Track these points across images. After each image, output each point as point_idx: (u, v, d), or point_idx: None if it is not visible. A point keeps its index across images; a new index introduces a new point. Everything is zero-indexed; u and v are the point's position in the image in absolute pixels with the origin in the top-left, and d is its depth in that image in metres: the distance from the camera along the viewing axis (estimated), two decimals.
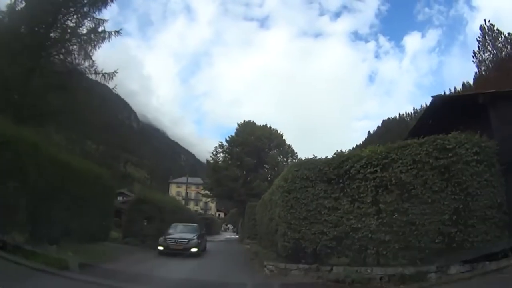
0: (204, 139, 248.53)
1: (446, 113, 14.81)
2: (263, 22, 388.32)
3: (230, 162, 50.57)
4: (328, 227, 13.56)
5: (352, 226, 13.05)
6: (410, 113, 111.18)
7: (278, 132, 51.93)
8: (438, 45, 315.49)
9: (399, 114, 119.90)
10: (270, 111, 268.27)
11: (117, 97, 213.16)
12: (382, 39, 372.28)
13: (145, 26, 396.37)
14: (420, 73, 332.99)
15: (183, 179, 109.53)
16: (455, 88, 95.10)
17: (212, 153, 53.26)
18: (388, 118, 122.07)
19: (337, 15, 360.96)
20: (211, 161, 53.01)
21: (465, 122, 13.30)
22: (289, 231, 14.39)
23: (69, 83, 23.78)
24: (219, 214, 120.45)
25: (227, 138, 52.85)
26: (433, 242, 11.78)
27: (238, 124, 52.98)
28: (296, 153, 50.54)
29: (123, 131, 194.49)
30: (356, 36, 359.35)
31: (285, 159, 49.35)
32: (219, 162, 52.15)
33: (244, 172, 49.25)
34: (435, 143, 12.40)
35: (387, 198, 12.61)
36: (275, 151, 50.69)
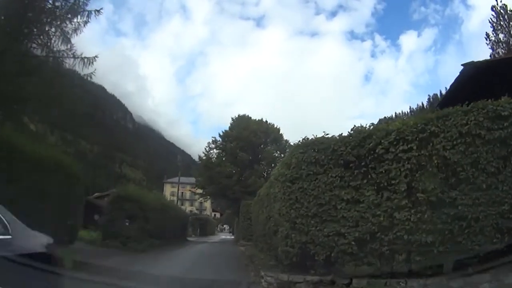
0: (200, 139, 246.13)
1: (479, 83, 12.24)
2: (259, 21, 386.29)
3: (224, 158, 47.16)
4: (347, 226, 10.13)
5: (380, 224, 9.64)
6: (406, 112, 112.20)
7: (275, 126, 48.49)
8: (434, 44, 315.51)
9: (395, 113, 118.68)
10: (266, 111, 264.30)
11: (112, 97, 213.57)
12: (378, 38, 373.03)
13: (141, 26, 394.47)
14: (416, 72, 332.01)
15: (177, 179, 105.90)
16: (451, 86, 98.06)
17: (205, 149, 49.86)
18: (385, 117, 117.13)
19: (333, 14, 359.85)
20: (204, 158, 49.32)
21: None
22: (294, 233, 10.96)
23: (43, 67, 21.21)
24: (214, 215, 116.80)
25: (221, 133, 49.49)
26: (490, 242, 8.61)
27: (232, 118, 49.59)
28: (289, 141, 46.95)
29: (119, 131, 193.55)
30: (352, 35, 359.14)
31: (282, 155, 45.57)
32: (212, 159, 48.62)
33: (238, 168, 45.61)
34: (485, 110, 9.07)
35: (428, 185, 9.20)
36: (271, 146, 46.99)
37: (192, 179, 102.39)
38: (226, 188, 43.94)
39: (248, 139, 45.17)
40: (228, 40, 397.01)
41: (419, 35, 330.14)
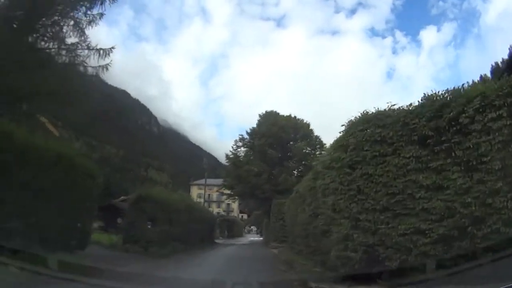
0: (224, 142, 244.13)
1: None
2: (280, 22, 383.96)
3: (252, 156, 44.80)
4: (428, 220, 7.67)
5: (472, 214, 7.19)
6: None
7: (304, 121, 45.93)
8: (454, 39, 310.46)
9: None
10: (289, 110, 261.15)
11: (137, 102, 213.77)
12: (398, 34, 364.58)
13: (161, 31, 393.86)
14: (437, 67, 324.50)
15: (203, 181, 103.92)
16: (472, 81, 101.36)
17: (232, 147, 47.42)
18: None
19: (352, 11, 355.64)
20: (231, 156, 46.83)
21: None
22: (356, 233, 8.68)
23: (54, 61, 19.46)
24: (242, 216, 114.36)
25: (248, 131, 46.91)
26: None
27: (259, 115, 47.08)
28: (325, 144, 43.92)
29: (144, 136, 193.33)
30: (373, 32, 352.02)
31: (313, 151, 42.95)
32: (240, 157, 46.28)
33: (268, 166, 42.98)
34: None
35: None
36: (301, 142, 44.21)
37: (219, 181, 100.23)
38: (255, 187, 41.63)
39: (277, 135, 42.78)
40: (249, 41, 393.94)
41: (438, 29, 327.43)
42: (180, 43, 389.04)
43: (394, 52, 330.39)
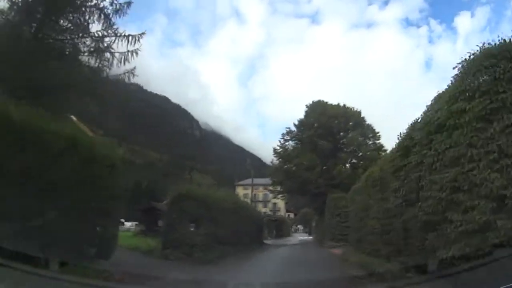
0: (267, 142, 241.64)
1: None
2: (314, 18, 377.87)
3: (301, 149, 41.03)
4: None
5: None
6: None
7: (355, 109, 41.89)
8: (488, 23, 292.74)
9: None
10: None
11: (178, 107, 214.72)
12: (433, 23, 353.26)
13: (197, 35, 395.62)
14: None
15: (249, 180, 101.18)
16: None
17: (279, 141, 43.42)
18: None
19: (385, 2, 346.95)
20: (279, 151, 42.78)
21: None
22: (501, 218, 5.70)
23: (77, 52, 17.57)
24: (288, 215, 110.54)
25: (295, 123, 43.06)
26: None
27: (306, 105, 43.29)
28: (378, 133, 40.43)
29: (186, 140, 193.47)
30: (407, 22, 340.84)
31: (365, 141, 39.13)
32: (289, 151, 42.48)
33: (319, 159, 39.18)
34: None
35: None
36: (354, 132, 40.29)
37: (264, 180, 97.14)
38: (307, 182, 37.99)
39: (327, 125, 39.27)
40: (285, 40, 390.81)
41: (472, 15, 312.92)
42: (216, 46, 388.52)
43: (430, 41, 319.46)
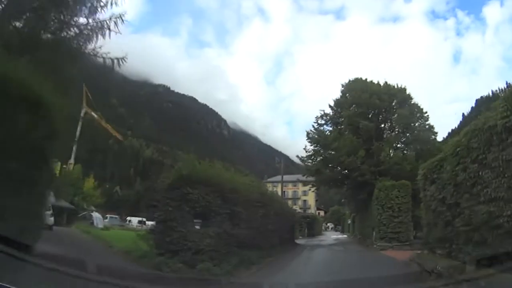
0: (296, 140, 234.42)
1: None
2: (339, 14, 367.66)
3: (339, 131, 33.69)
4: None
5: None
6: (503, 88, 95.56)
7: (399, 86, 33.94)
8: None
9: (492, 91, 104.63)
10: None
11: (205, 107, 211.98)
12: (460, 14, 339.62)
13: (223, 35, 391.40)
14: (505, 45, 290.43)
15: (278, 177, 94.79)
16: None
17: (313, 126, 35.45)
18: (481, 97, 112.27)
19: None
20: (314, 135, 34.73)
21: None
22: None
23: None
24: (319, 213, 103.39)
25: (331, 105, 35.29)
26: None
27: (342, 84, 35.66)
28: (426, 112, 32.98)
29: (215, 139, 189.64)
30: (434, 15, 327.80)
31: (415, 120, 31.64)
32: (325, 134, 34.86)
33: (363, 142, 31.53)
34: None
35: None
36: (400, 110, 32.54)
37: (294, 177, 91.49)
38: (348, 169, 30.95)
39: (369, 103, 31.95)
40: (311, 37, 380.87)
41: (502, 4, 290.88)
42: (243, 45, 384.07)
43: (458, 33, 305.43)
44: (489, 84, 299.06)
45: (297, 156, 35.29)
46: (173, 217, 12.51)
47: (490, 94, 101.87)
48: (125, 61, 16.13)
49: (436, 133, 31.84)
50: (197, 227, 13.36)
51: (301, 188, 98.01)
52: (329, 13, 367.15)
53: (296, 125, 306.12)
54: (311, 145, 34.14)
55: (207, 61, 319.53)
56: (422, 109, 32.26)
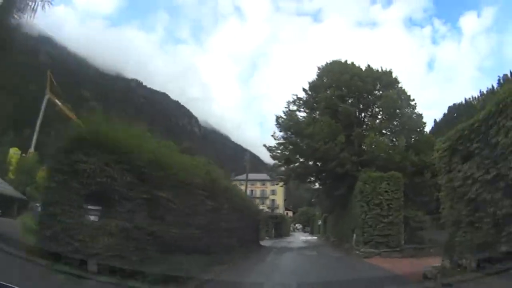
0: (267, 141, 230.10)
1: None
2: (316, 16, 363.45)
3: (314, 118, 27.65)
4: None
5: None
6: (477, 97, 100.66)
7: (385, 69, 28.74)
8: (496, 23, 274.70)
9: (465, 99, 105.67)
10: None
11: (177, 103, 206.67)
12: (437, 23, 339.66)
13: (198, 32, 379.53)
14: (480, 55, 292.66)
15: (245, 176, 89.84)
16: None
17: (284, 112, 29.37)
18: (454, 104, 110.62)
19: (389, 2, 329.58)
20: (283, 120, 28.77)
21: None
22: None
23: None
24: (287, 213, 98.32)
25: (305, 88, 29.68)
26: None
27: (318, 67, 30.29)
28: (413, 100, 27.81)
29: (185, 136, 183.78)
30: (411, 22, 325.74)
31: (403, 104, 26.64)
32: (297, 118, 29.00)
33: (342, 127, 25.58)
34: None
35: None
36: (387, 92, 26.80)
37: (263, 176, 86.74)
38: (325, 159, 25.03)
39: (351, 84, 26.80)
40: (287, 38, 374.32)
41: (479, 15, 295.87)
42: (218, 43, 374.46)
43: (434, 41, 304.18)
44: (463, 92, 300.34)
45: (264, 146, 29.46)
46: (56, 199, 7.58)
47: (463, 102, 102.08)
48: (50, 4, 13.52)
49: (425, 123, 27.21)
50: (93, 217, 8.08)
51: (269, 187, 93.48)
52: (307, 14, 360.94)
53: (267, 126, 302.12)
54: (280, 131, 28.74)
55: (182, 58, 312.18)
56: (409, 96, 27.45)
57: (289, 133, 27.72)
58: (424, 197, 21.88)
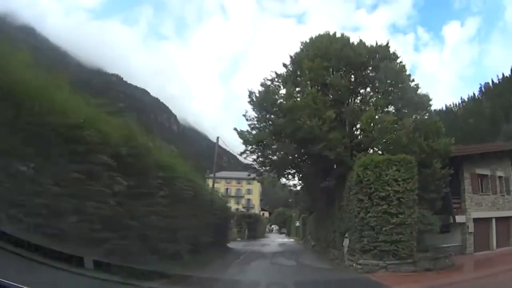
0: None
1: None
2: (300, 18, 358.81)
3: (298, 89, 21.19)
4: None
5: None
6: (458, 103, 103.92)
7: (380, 44, 22.03)
8: (478, 34, 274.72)
9: (446, 105, 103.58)
10: None
11: (156, 100, 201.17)
12: (420, 30, 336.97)
13: (182, 29, 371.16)
14: (462, 64, 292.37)
15: (222, 173, 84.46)
16: (503, 74, 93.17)
17: (262, 87, 22.84)
18: (434, 110, 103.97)
19: (373, 7, 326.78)
20: (258, 94, 22.20)
21: None
22: None
23: None
24: (263, 213, 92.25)
25: (286, 63, 23.31)
26: None
27: (302, 42, 23.86)
28: (413, 79, 21.47)
29: (163, 133, 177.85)
30: (395, 29, 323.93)
31: (403, 79, 20.96)
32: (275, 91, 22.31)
33: (330, 103, 19.40)
34: None
35: None
36: (385, 63, 19.97)
37: (238, 174, 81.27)
38: (309, 140, 18.39)
39: (342, 55, 20.61)
40: (270, 39, 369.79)
41: (462, 24, 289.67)
42: (200, 41, 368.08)
43: (416, 49, 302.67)
44: (444, 99, 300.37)
45: (235, 130, 22.80)
46: None
47: (444, 108, 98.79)
48: None
49: (431, 104, 21.57)
50: None
51: (245, 186, 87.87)
52: (291, 16, 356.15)
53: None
54: (254, 110, 22.41)
55: (163, 55, 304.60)
56: (409, 74, 21.97)
57: (265, 111, 21.70)
58: (432, 193, 16.58)
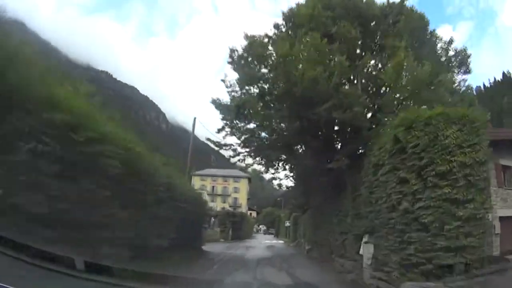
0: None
1: None
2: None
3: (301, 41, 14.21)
4: None
5: None
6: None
7: (407, 5, 16.25)
8: (470, 39, 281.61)
9: None
10: None
11: (145, 98, 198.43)
12: None
13: (173, 28, 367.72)
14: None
15: (207, 171, 79.84)
16: (495, 78, 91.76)
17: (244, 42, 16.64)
18: None
19: None
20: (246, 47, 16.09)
21: None
22: None
23: None
24: (250, 213, 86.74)
25: (278, 23, 17.39)
26: None
27: (296, 4, 17.15)
28: (441, 37, 16.83)
29: (152, 131, 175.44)
30: None
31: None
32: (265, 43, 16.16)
33: (337, 52, 13.26)
34: None
35: None
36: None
37: (225, 171, 76.08)
38: (310, 99, 12.49)
39: (349, 5, 15.34)
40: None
41: (454, 29, 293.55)
42: (192, 40, 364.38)
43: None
44: None
45: (213, 99, 17.17)
46: None
47: None
48: None
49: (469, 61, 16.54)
50: None
51: (232, 184, 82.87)
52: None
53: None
54: (235, 70, 16.51)
55: (154, 52, 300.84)
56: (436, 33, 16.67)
57: (248, 68, 15.72)
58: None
